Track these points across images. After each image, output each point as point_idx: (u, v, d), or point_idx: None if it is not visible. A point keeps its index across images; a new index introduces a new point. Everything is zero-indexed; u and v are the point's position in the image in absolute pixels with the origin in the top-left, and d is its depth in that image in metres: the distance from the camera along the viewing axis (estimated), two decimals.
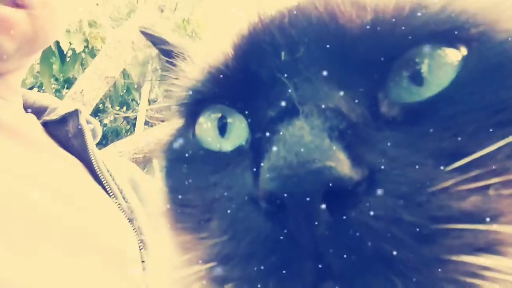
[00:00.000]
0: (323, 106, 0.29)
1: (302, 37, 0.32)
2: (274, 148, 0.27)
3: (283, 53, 0.32)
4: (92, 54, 4.03)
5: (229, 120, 0.36)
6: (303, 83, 0.30)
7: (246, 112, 0.35)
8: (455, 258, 0.25)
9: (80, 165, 0.74)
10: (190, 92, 0.40)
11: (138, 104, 4.82)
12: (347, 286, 0.26)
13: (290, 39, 0.32)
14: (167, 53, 0.47)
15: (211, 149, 0.37)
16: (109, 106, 5.16)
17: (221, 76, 0.37)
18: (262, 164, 0.28)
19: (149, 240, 0.69)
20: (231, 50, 0.36)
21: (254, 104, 0.34)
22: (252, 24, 0.35)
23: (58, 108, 0.79)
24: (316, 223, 0.25)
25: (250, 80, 0.34)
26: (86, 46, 4.06)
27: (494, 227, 0.25)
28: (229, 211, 0.31)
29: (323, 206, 0.25)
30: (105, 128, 5.33)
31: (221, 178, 0.34)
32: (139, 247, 0.69)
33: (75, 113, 0.76)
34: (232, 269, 0.29)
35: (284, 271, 0.27)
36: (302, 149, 0.26)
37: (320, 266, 0.26)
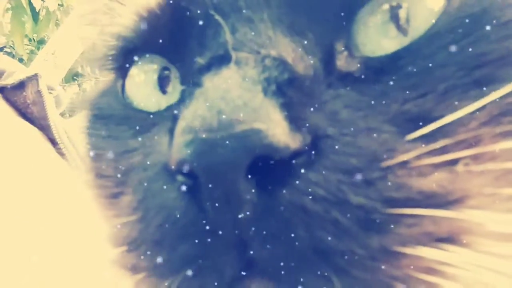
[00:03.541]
0: (262, 53, 0.23)
1: None
2: (193, 105, 0.21)
3: None
4: (67, 13, 3.81)
5: (166, 72, 0.30)
6: (242, 24, 0.24)
7: (178, 63, 0.29)
8: (410, 250, 0.19)
9: (39, 135, 0.68)
10: (120, 41, 0.34)
11: None
12: (274, 284, 0.20)
13: None
14: None
15: (142, 109, 0.31)
16: (89, 70, 4.97)
17: (152, 18, 0.30)
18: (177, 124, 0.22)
19: None
20: None
21: (187, 51, 0.27)
22: None
23: (16, 72, 0.72)
24: (239, 203, 0.20)
25: (182, 20, 0.28)
26: (61, 5, 3.83)
27: (461, 212, 0.20)
28: (142, 184, 0.25)
29: (248, 182, 0.20)
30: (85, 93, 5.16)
31: (142, 143, 0.28)
32: None
33: (34, 78, 0.70)
34: (140, 257, 0.24)
35: (198, 263, 0.21)
36: (226, 106, 0.20)
37: (243, 258, 0.20)
